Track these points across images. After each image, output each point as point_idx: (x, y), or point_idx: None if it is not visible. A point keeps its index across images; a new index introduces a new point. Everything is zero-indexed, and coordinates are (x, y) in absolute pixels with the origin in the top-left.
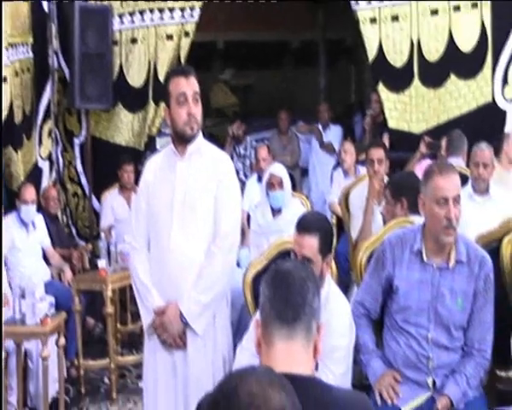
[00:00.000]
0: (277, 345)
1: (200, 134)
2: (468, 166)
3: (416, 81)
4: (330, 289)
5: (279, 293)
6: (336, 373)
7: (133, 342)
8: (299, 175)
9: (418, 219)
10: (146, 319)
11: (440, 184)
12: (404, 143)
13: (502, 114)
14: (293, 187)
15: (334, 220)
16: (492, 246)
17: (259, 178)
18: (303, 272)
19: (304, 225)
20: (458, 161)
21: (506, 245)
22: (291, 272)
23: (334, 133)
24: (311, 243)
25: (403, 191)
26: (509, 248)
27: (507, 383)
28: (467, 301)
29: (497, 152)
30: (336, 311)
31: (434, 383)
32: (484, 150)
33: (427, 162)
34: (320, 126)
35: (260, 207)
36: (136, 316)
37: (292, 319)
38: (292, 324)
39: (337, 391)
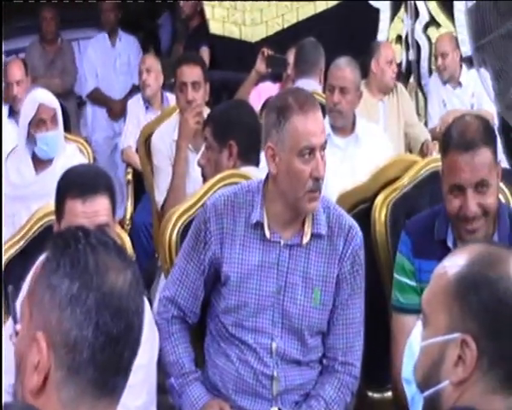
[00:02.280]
0: None
1: None
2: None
3: None
4: None
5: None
6: (131, 407)
7: None
8: (75, 107)
9: (254, 172)
10: None
11: (302, 126)
12: (232, 58)
13: (374, 14)
14: (66, 126)
15: (129, 176)
16: (360, 209)
17: (12, 113)
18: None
19: (89, 184)
20: (312, 84)
21: (380, 207)
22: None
23: (124, 45)
24: (105, 206)
25: (231, 131)
26: (385, 211)
27: (381, 409)
28: (327, 292)
29: (366, 72)
30: None
31: None
32: (343, 69)
33: (267, 87)
34: (107, 35)
35: (15, 158)
36: None
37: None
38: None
39: None
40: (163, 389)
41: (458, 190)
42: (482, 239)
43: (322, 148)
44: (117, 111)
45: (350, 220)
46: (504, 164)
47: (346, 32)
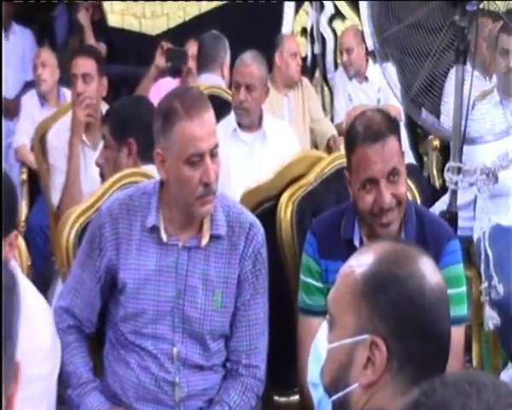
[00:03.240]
0: None
1: None
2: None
3: None
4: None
5: None
6: None
7: None
8: None
9: (155, 171)
10: None
11: (189, 132)
12: (132, 52)
13: (279, 6)
14: None
15: (24, 176)
16: (265, 207)
17: None
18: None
19: None
20: (214, 79)
21: (285, 205)
22: None
23: (19, 38)
24: None
25: (130, 129)
26: (290, 209)
27: None
28: (228, 294)
29: (271, 66)
30: (30, 321)
31: None
32: (248, 65)
33: (167, 82)
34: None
35: None
36: None
37: None
38: None
39: None
40: (62, 401)
41: (371, 183)
42: (390, 237)
43: (212, 152)
44: (11, 110)
45: (251, 218)
46: (410, 159)
47: (251, 25)
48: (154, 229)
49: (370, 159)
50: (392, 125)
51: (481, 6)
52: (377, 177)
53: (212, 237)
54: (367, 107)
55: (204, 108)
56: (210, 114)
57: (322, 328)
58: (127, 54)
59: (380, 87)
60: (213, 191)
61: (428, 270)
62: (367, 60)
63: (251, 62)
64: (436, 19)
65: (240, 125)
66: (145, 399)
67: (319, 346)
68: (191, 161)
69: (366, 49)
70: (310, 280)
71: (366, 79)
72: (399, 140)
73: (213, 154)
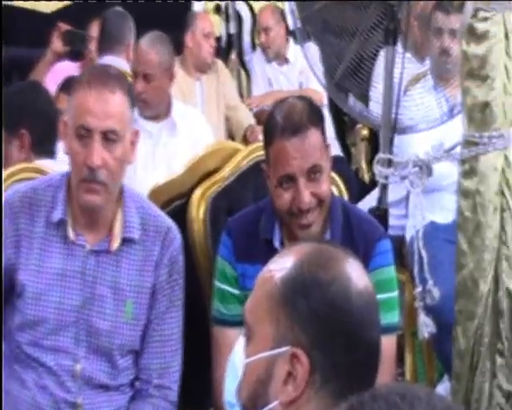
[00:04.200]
0: None
1: None
2: None
3: None
4: None
5: None
6: None
7: None
8: None
9: (50, 165)
10: None
11: (84, 102)
12: (24, 32)
13: None
14: None
15: None
16: (175, 206)
17: None
18: None
19: None
20: (118, 62)
21: (198, 203)
22: None
23: None
24: None
25: (22, 119)
26: (203, 207)
27: None
28: (141, 305)
29: (180, 48)
30: None
31: None
32: (146, 52)
33: (65, 67)
34: None
35: None
36: None
37: None
38: None
39: None
40: None
41: (288, 181)
42: (312, 238)
43: (106, 135)
44: None
45: (168, 222)
46: (336, 151)
47: (158, 3)
48: (61, 224)
49: (288, 154)
50: (315, 115)
51: None
52: (296, 174)
53: (124, 241)
54: (282, 93)
55: (110, 86)
56: (115, 96)
57: (240, 340)
58: (19, 34)
59: (302, 69)
60: (99, 180)
61: (355, 273)
62: (287, 40)
63: (148, 48)
64: None
65: (144, 116)
66: None
67: (236, 361)
68: (79, 134)
69: (287, 28)
70: (225, 286)
71: (287, 60)
72: (323, 132)
73: (108, 138)
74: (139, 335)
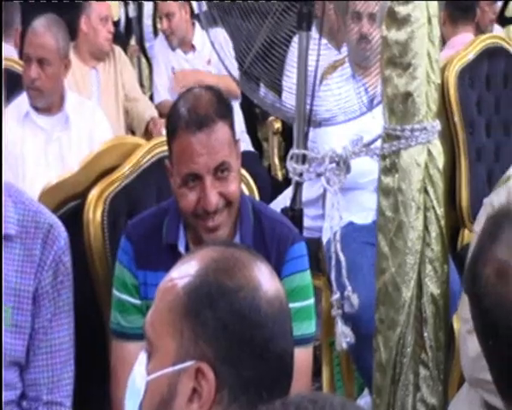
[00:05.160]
0: None
1: None
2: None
3: None
4: None
5: None
6: None
7: None
8: None
9: None
10: None
11: None
12: None
13: None
14: None
15: None
16: (69, 207)
17: None
18: None
19: None
20: (6, 48)
21: (94, 204)
22: None
23: None
24: None
25: None
26: (100, 209)
27: None
28: (22, 311)
29: (74, 33)
30: None
31: None
32: (41, 35)
33: None
34: None
35: None
36: None
37: None
38: None
39: None
40: None
41: (194, 179)
42: (219, 242)
43: None
44: None
45: (51, 218)
46: (247, 146)
47: None
48: None
49: (194, 150)
50: (223, 108)
51: None
52: (201, 172)
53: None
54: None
55: None
56: None
57: (141, 356)
58: None
59: (210, 58)
60: None
61: (265, 279)
62: (193, 25)
63: (44, 31)
64: None
65: (36, 108)
66: None
67: (137, 378)
68: None
69: (192, 12)
70: (125, 296)
71: (193, 48)
72: (232, 127)
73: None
74: (23, 345)
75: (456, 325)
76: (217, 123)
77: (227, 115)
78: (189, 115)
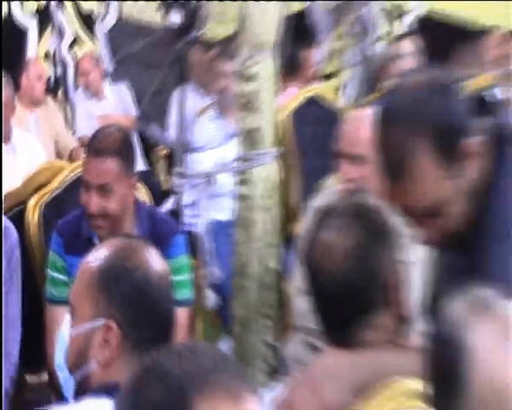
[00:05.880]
0: None
1: None
2: None
3: None
4: None
5: None
6: None
7: None
8: None
9: None
10: None
11: None
12: None
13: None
14: None
15: None
16: (15, 211)
17: None
18: None
19: None
20: None
21: (33, 209)
22: None
23: None
24: None
25: None
26: (37, 213)
27: (38, 391)
28: None
29: (18, 86)
30: None
31: None
32: None
33: None
34: None
35: None
36: None
37: None
38: None
39: None
40: None
41: (87, 189)
42: (121, 234)
43: None
44: None
45: (6, 222)
46: (142, 166)
47: None
48: None
49: (88, 168)
50: (120, 147)
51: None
52: (89, 184)
53: None
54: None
55: None
56: None
57: (66, 317)
58: None
59: (116, 105)
60: None
61: (154, 261)
62: (104, 80)
63: None
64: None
65: None
66: None
67: (64, 333)
68: None
69: (103, 70)
70: (55, 274)
71: (104, 97)
72: (124, 161)
73: None
74: None
75: (289, 290)
76: (108, 157)
77: (121, 153)
78: (93, 144)
